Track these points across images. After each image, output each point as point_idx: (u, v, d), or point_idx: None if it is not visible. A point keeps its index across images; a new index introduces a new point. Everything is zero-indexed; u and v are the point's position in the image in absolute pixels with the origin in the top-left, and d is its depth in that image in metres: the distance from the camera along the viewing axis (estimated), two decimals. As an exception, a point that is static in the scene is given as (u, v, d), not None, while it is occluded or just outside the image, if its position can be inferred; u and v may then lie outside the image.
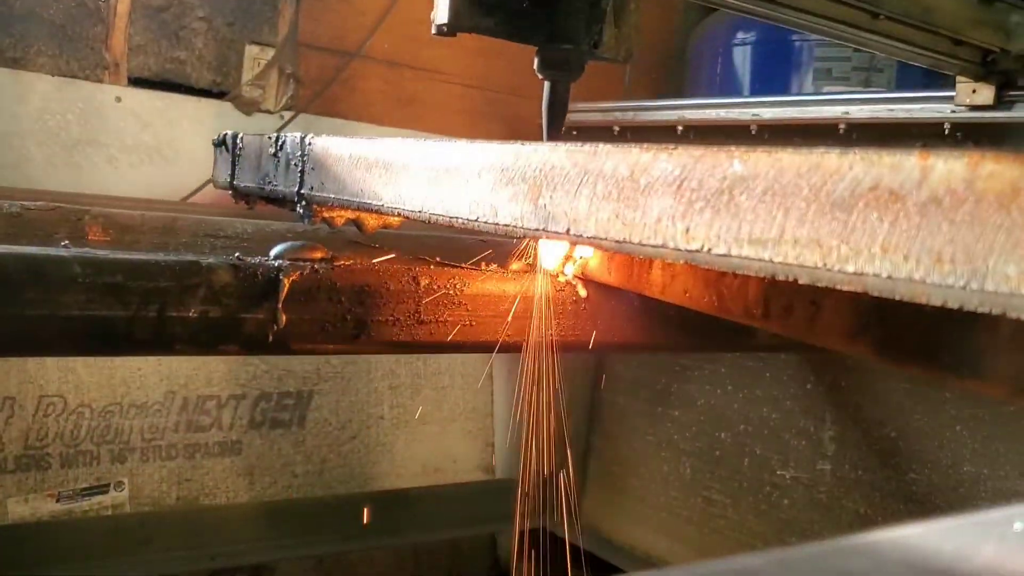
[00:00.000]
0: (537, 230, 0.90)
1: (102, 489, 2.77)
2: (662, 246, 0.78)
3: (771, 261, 0.69)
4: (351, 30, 3.23)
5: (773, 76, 3.55)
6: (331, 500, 3.17)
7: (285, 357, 3.09)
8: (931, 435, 2.61)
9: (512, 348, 1.41)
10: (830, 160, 0.66)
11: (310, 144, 1.33)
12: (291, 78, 3.07)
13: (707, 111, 2.93)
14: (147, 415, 2.84)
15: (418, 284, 1.33)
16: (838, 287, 0.65)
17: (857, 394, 2.79)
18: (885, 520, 2.69)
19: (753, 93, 3.53)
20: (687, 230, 0.76)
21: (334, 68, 3.19)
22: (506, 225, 0.94)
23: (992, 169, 0.58)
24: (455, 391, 3.60)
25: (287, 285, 1.20)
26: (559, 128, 1.45)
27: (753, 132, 2.78)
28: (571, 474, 2.06)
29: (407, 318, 1.32)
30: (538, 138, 3.30)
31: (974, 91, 2.60)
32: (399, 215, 1.13)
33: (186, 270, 1.14)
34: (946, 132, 2.40)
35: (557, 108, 1.46)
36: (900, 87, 3.25)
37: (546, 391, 1.48)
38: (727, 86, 3.65)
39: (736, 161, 0.73)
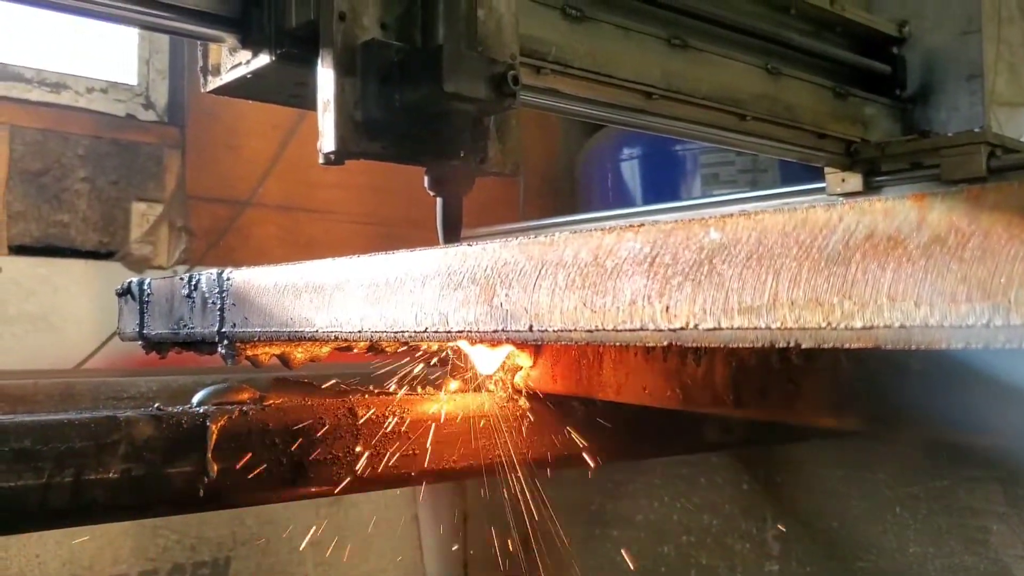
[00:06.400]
0: (495, 332, 0.84)
1: None
2: (641, 329, 0.73)
3: (768, 328, 0.64)
4: (241, 179, 3.19)
5: (662, 186, 3.64)
6: (261, 675, 2.95)
7: (197, 523, 2.90)
8: (872, 520, 2.59)
9: (462, 475, 1.32)
10: (816, 215, 0.63)
11: (229, 279, 1.25)
12: (182, 231, 2.99)
13: (606, 223, 2.95)
14: (49, 606, 2.61)
15: (355, 416, 1.24)
16: (847, 346, 0.61)
17: (793, 487, 2.76)
18: (840, 614, 2.63)
19: (645, 203, 3.61)
20: (667, 308, 0.71)
21: (227, 218, 3.12)
22: (459, 332, 0.88)
23: (995, 199, 0.56)
24: (380, 540, 3.44)
25: (215, 432, 1.10)
26: (456, 240, 1.44)
27: (655, 238, 2.81)
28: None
29: (346, 455, 1.23)
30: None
31: (843, 180, 2.72)
32: (336, 339, 1.06)
33: (103, 427, 1.04)
34: (840, 219, 2.46)
35: (451, 221, 1.46)
36: (785, 184, 3.37)
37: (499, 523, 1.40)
38: (619, 199, 3.72)
39: (712, 229, 0.69)
